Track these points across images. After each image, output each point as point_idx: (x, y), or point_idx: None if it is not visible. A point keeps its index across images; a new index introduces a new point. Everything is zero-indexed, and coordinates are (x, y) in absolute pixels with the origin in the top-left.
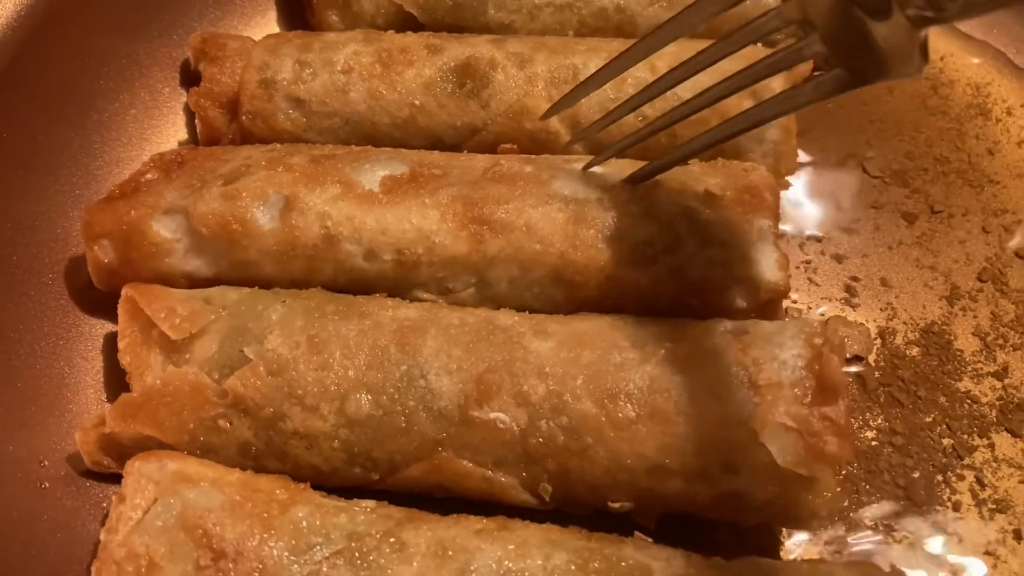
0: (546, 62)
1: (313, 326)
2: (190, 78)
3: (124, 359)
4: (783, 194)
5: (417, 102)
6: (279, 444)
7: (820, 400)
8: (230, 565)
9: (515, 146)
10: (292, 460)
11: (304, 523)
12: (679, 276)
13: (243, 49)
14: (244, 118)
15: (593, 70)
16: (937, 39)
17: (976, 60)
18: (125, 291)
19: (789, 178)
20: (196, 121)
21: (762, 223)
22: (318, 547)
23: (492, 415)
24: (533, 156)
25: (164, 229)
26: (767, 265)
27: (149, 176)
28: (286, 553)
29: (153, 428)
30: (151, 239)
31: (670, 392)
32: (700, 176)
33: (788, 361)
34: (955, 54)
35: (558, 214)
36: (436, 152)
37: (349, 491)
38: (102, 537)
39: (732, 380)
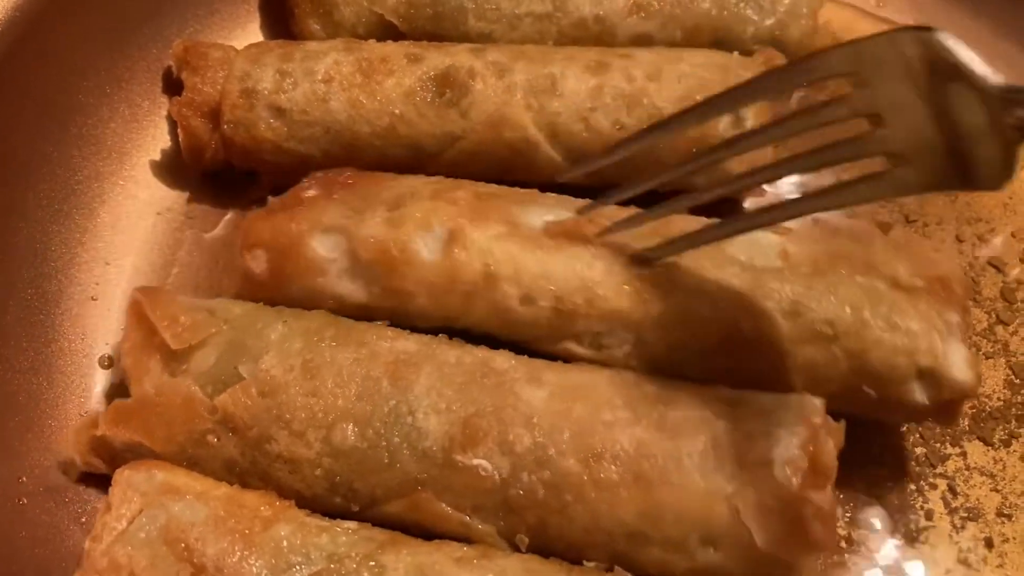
0: (525, 71)
1: (310, 350)
2: (170, 89)
3: (126, 361)
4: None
5: (397, 111)
6: (263, 465)
7: (809, 483)
8: None
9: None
10: (275, 482)
11: (285, 542)
12: (858, 360)
13: (225, 59)
14: (226, 127)
15: (571, 79)
16: None
17: None
18: (133, 294)
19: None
20: (178, 131)
21: (952, 317)
22: (297, 567)
23: (475, 461)
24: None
25: (322, 247)
26: (956, 362)
27: (311, 192)
28: (265, 571)
29: (143, 435)
30: (308, 255)
31: (656, 459)
32: (886, 258)
33: (782, 439)
34: None
35: (733, 280)
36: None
37: (338, 515)
38: (86, 545)
39: (721, 453)
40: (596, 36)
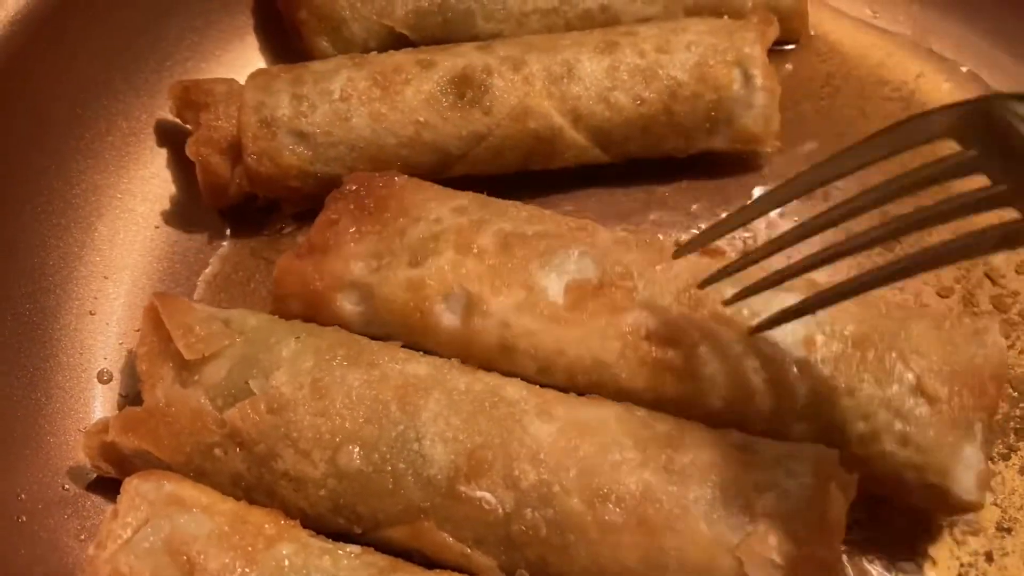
0: (539, 61)
1: (320, 369)
2: (168, 128)
3: (141, 366)
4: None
5: (421, 118)
6: (269, 482)
7: (816, 539)
8: None
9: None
10: (280, 499)
11: (287, 561)
12: (865, 466)
13: (232, 91)
14: (250, 159)
15: (585, 62)
16: (911, 60)
17: (949, 80)
18: (151, 300)
19: None
20: (197, 171)
21: (975, 425)
22: None
23: (479, 493)
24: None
25: (348, 302)
26: (965, 479)
27: (342, 223)
28: None
29: (151, 445)
30: (335, 312)
31: (662, 504)
32: (920, 346)
33: (792, 491)
34: (928, 74)
35: (751, 373)
36: (628, 249)
37: (341, 536)
38: (90, 551)
39: (728, 502)
40: (602, 25)
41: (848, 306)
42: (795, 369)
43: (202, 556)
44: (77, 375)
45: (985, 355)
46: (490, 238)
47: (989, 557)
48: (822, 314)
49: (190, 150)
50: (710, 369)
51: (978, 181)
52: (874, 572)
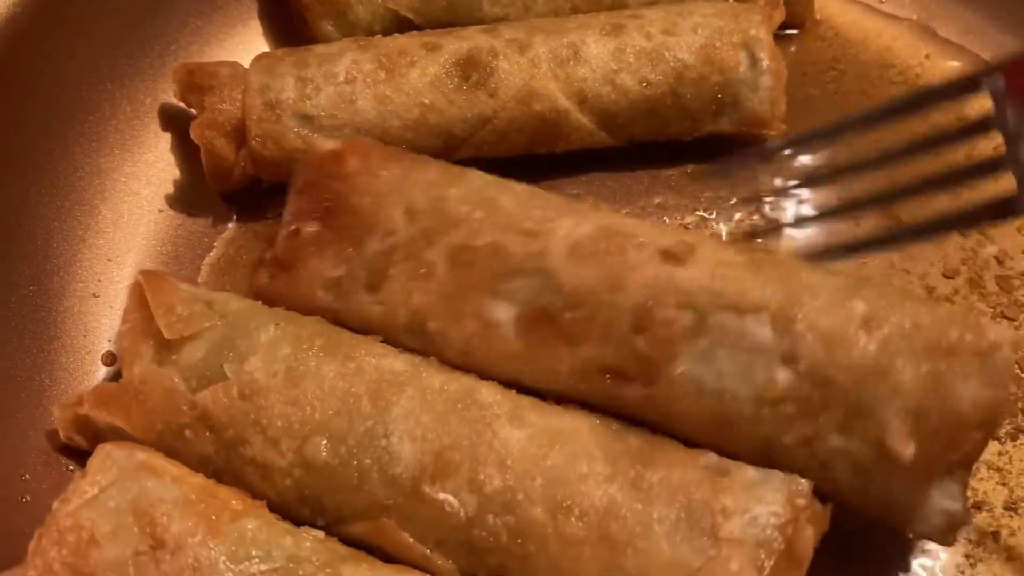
0: (544, 44)
1: (296, 357)
2: (172, 110)
3: (121, 343)
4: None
5: (427, 101)
6: (236, 467)
7: (780, 569)
8: (167, 556)
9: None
10: (246, 485)
11: (249, 535)
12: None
13: (236, 74)
14: (254, 142)
15: (591, 45)
16: (916, 44)
17: (954, 64)
18: (137, 277)
19: None
20: (202, 154)
21: (951, 474)
22: (256, 560)
23: (442, 495)
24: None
25: (323, 319)
26: (935, 525)
27: (303, 235)
28: (223, 558)
29: (123, 420)
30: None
31: (626, 520)
32: (900, 391)
33: (760, 518)
34: (933, 58)
35: (709, 415)
36: (583, 262)
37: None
38: (54, 506)
39: (694, 524)
40: (608, 8)
41: (829, 350)
42: (752, 411)
43: (166, 518)
44: (81, 357)
45: (974, 399)
46: (441, 255)
47: (996, 536)
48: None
49: (194, 133)
50: (670, 407)
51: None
52: (880, 549)
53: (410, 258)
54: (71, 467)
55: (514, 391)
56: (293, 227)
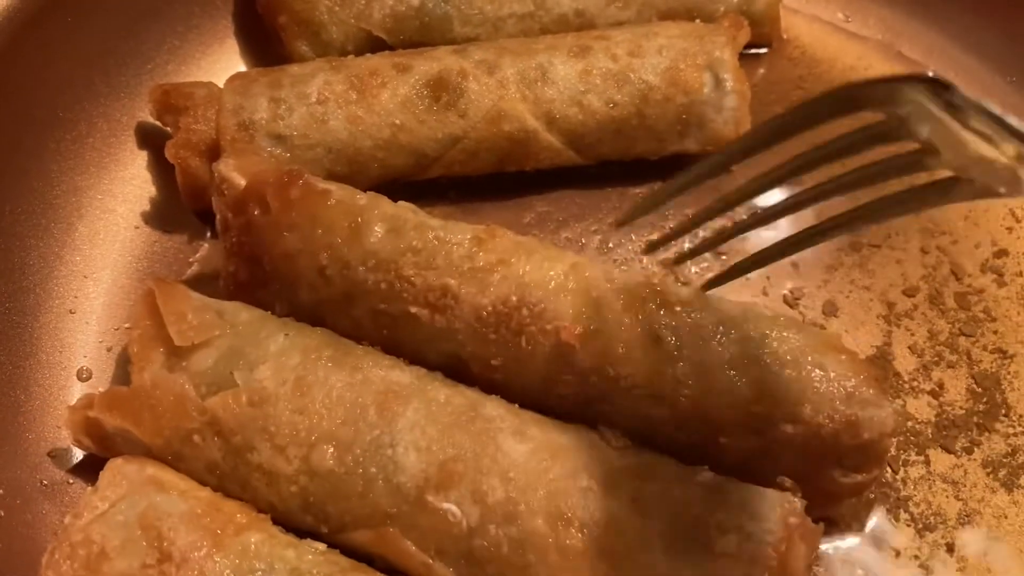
0: (513, 65)
1: (305, 367)
2: (148, 131)
3: (133, 348)
4: None
5: (398, 121)
6: (243, 473)
7: None
8: (172, 569)
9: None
10: (252, 491)
11: (253, 548)
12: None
13: (211, 95)
14: None
15: (559, 66)
16: (881, 63)
17: None
18: (149, 285)
19: None
20: (176, 174)
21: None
22: (260, 573)
23: (445, 505)
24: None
25: None
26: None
27: (243, 271)
28: (227, 571)
29: (132, 424)
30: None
31: (625, 535)
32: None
33: (754, 535)
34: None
35: None
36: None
37: (308, 535)
38: (66, 520)
39: (690, 538)
40: (577, 29)
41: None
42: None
43: (172, 532)
44: (56, 373)
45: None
46: (364, 313)
47: (950, 548)
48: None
49: (169, 153)
50: None
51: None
52: (836, 562)
53: (339, 313)
54: (45, 481)
55: (517, 406)
56: (232, 268)
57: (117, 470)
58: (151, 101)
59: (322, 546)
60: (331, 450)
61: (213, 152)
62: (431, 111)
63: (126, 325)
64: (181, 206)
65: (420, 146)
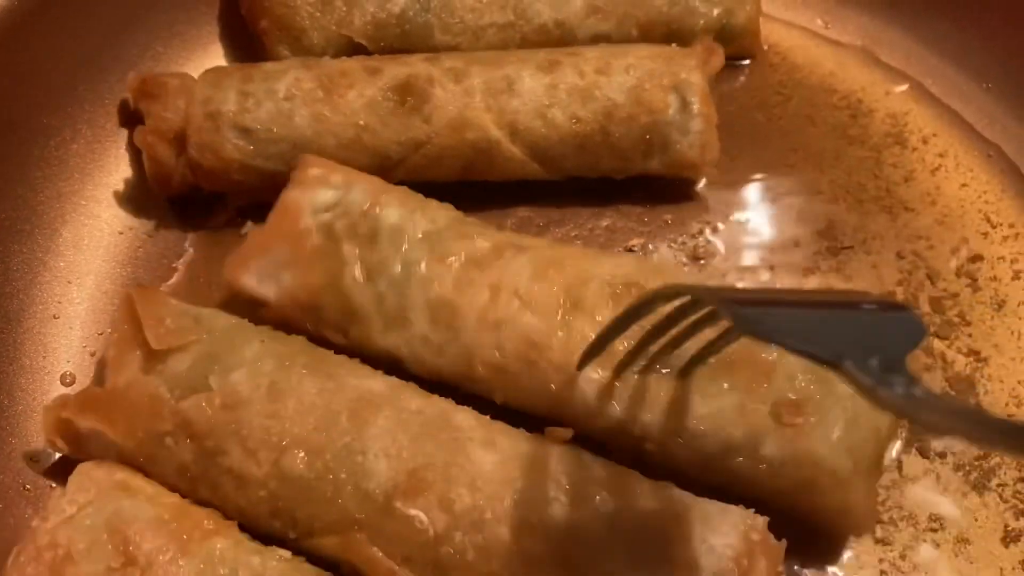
0: (481, 75)
1: (279, 373)
2: (131, 114)
3: (109, 352)
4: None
5: (361, 122)
6: (213, 476)
7: None
8: (137, 573)
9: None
10: (221, 495)
11: (218, 553)
12: None
13: (184, 86)
14: (192, 151)
15: (526, 79)
16: (859, 70)
17: (896, 89)
18: (128, 291)
19: None
20: (144, 159)
21: None
22: None
23: (412, 512)
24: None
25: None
26: None
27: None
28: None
29: (106, 425)
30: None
31: (587, 544)
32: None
33: (716, 548)
34: (875, 83)
35: None
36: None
37: (276, 541)
38: (33, 523)
39: (653, 550)
40: (557, 40)
41: None
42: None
43: (138, 536)
44: (40, 378)
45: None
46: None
47: (919, 551)
48: None
49: (138, 138)
50: None
51: None
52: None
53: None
54: (28, 486)
55: (488, 417)
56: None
57: (86, 474)
58: (129, 90)
59: (287, 553)
60: (302, 455)
61: (180, 140)
62: (395, 114)
63: (109, 330)
64: (165, 211)
65: (383, 148)
